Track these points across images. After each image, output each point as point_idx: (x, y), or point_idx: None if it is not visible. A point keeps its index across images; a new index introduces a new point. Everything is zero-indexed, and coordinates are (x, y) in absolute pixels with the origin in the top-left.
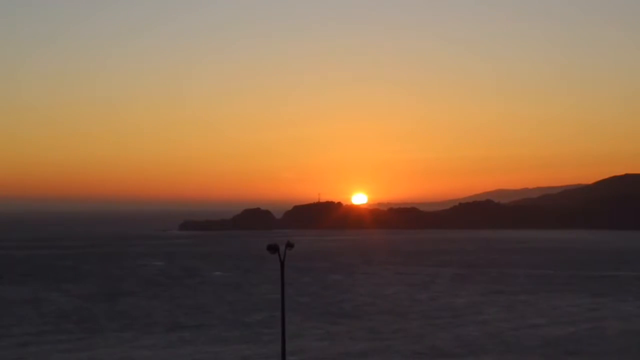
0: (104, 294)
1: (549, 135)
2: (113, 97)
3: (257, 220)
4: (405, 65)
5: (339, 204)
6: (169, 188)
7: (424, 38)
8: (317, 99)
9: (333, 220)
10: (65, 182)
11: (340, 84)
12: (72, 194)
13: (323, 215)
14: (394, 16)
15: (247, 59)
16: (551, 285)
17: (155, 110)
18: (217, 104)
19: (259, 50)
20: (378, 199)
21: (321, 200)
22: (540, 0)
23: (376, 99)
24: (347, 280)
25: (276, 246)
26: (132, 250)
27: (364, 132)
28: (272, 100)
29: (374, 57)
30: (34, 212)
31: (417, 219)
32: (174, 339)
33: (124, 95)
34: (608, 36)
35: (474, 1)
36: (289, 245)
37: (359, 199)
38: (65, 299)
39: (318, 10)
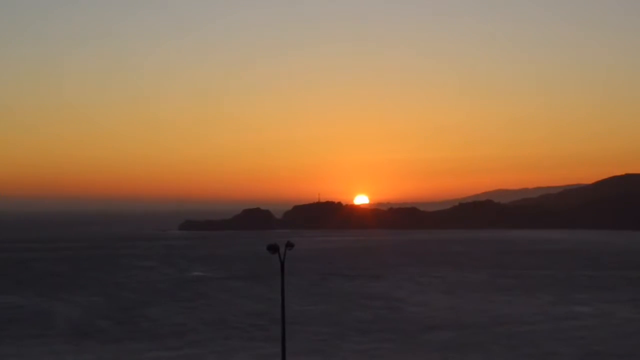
0: (112, 304)
1: (548, 135)
2: (112, 97)
3: (257, 220)
4: (405, 66)
5: (339, 204)
6: (169, 187)
7: (424, 40)
8: (318, 99)
9: (333, 220)
10: (66, 182)
11: (341, 85)
12: (72, 194)
13: (323, 215)
14: (394, 20)
15: (247, 61)
16: (613, 289)
17: (155, 111)
18: (217, 105)
19: (259, 53)
20: (378, 199)
21: (321, 200)
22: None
23: (376, 100)
24: (390, 288)
25: (276, 246)
26: (133, 253)
27: (364, 132)
28: (273, 101)
29: (374, 59)
30: (33, 212)
31: (417, 219)
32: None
33: (124, 96)
34: (608, 36)
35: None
36: (289, 245)
37: (361, 199)
38: (73, 310)
39: (321, 15)
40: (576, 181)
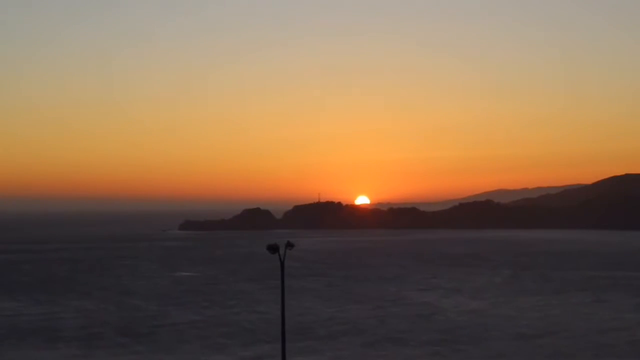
0: (117, 310)
1: (548, 135)
2: (112, 97)
3: (257, 220)
4: (405, 67)
5: (339, 204)
6: (169, 187)
7: (424, 41)
8: (318, 99)
9: (333, 220)
10: (66, 182)
11: (341, 85)
12: (72, 194)
13: (323, 215)
14: (394, 21)
15: (247, 62)
16: None
17: (156, 111)
18: (217, 105)
19: (260, 53)
20: (378, 199)
21: (321, 200)
22: (540, 2)
23: (377, 100)
24: (418, 292)
25: (276, 246)
26: (134, 254)
27: (364, 133)
28: (272, 101)
29: (374, 59)
30: (33, 213)
31: (417, 219)
32: None
33: (124, 96)
34: (607, 36)
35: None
36: (289, 245)
37: (362, 200)
38: (77, 318)
39: (322, 13)
40: (576, 181)
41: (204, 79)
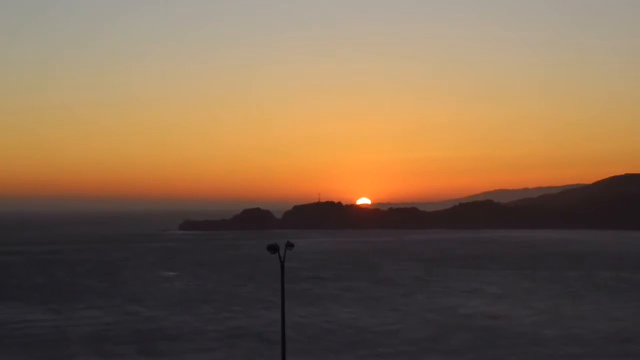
0: (124, 318)
1: (548, 135)
2: (113, 98)
3: (257, 220)
4: (406, 67)
5: (339, 204)
6: (169, 187)
7: (423, 41)
8: (318, 100)
9: (333, 220)
10: (66, 182)
11: (341, 86)
12: (72, 194)
13: (323, 215)
14: (394, 21)
15: (248, 62)
16: None
17: (156, 111)
18: (217, 105)
19: (260, 54)
20: (378, 199)
21: (321, 200)
22: (540, 3)
23: (376, 100)
24: (447, 296)
25: (276, 246)
26: (134, 256)
27: (364, 133)
28: (272, 101)
29: (374, 59)
30: (34, 213)
31: (417, 219)
32: None
33: (124, 96)
34: (608, 36)
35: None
36: (289, 245)
37: (363, 201)
38: (83, 328)
39: (320, 20)
40: (576, 181)
41: (205, 79)
